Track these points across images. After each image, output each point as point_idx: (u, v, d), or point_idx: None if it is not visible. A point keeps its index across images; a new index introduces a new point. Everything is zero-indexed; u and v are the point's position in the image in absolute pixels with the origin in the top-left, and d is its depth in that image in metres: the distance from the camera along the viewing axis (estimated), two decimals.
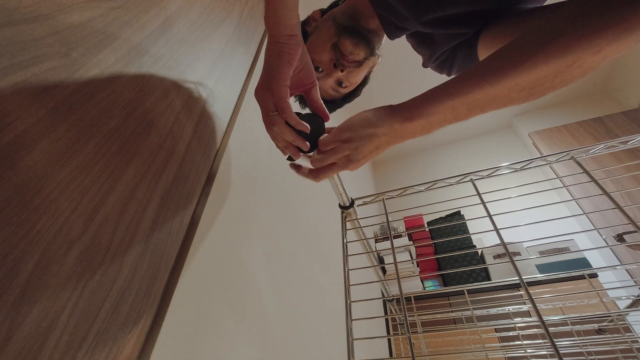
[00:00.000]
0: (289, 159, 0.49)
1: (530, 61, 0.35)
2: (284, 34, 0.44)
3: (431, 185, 0.74)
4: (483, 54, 0.53)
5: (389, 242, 2.34)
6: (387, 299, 1.38)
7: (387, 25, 0.60)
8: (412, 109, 0.41)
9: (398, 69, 2.49)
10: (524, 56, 0.35)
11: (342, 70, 0.60)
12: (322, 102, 0.51)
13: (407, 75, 2.57)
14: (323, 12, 0.67)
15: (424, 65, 0.67)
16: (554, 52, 0.34)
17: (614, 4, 0.31)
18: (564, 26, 0.34)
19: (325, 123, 0.51)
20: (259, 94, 0.46)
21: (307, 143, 0.46)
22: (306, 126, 0.45)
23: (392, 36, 0.63)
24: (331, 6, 0.67)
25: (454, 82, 0.40)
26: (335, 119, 0.49)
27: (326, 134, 0.48)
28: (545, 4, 0.50)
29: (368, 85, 0.71)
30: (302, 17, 0.65)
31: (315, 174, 0.48)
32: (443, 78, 0.66)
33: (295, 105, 0.58)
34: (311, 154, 0.48)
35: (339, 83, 0.63)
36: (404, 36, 0.65)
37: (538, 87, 0.37)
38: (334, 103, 0.69)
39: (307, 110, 0.53)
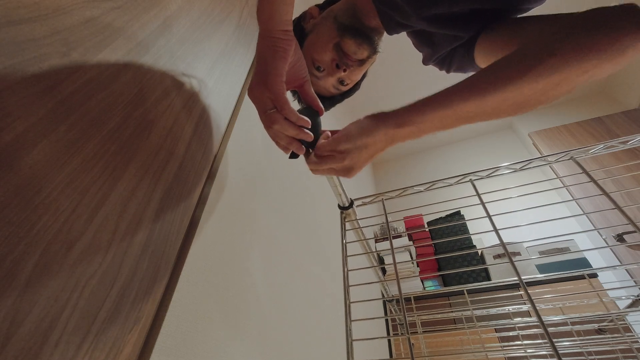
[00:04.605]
0: (292, 156, 0.49)
1: (519, 80, 0.36)
2: (278, 29, 0.44)
3: (431, 186, 0.74)
4: (479, 56, 0.54)
5: (388, 242, 2.34)
6: (387, 299, 1.38)
7: (388, 22, 0.60)
8: (404, 117, 0.43)
9: (400, 65, 2.50)
10: (514, 74, 0.37)
11: (344, 70, 0.60)
12: (316, 95, 0.52)
13: (409, 71, 2.57)
14: (320, 7, 0.67)
15: (424, 62, 0.67)
16: (542, 72, 0.35)
17: (603, 26, 0.32)
18: (554, 47, 0.35)
19: (325, 122, 0.51)
20: (254, 92, 0.45)
21: (311, 134, 0.46)
22: (307, 121, 0.45)
23: (391, 32, 0.63)
24: (329, 2, 0.67)
25: (445, 93, 0.41)
26: (333, 115, 0.49)
27: (323, 140, 0.48)
28: (545, 4, 0.50)
29: (370, 79, 0.71)
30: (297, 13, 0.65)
31: (311, 170, 0.49)
32: (443, 75, 0.67)
33: (294, 104, 0.58)
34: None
35: (341, 81, 0.63)
36: (405, 34, 0.65)
37: (525, 103, 0.38)
38: (333, 99, 0.69)
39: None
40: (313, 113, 0.50)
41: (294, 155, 0.48)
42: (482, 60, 0.53)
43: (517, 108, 0.39)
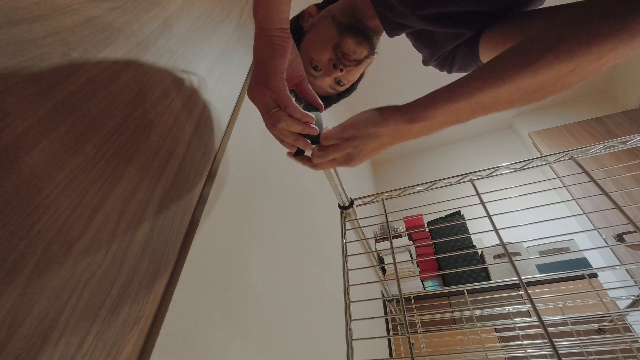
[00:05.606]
0: (297, 153, 0.48)
1: (533, 66, 0.35)
2: (275, 27, 0.43)
3: (431, 186, 0.74)
4: (484, 53, 0.53)
5: (388, 242, 2.34)
6: (387, 299, 1.38)
7: (387, 23, 0.60)
8: (416, 111, 0.41)
9: (400, 66, 2.50)
10: (527, 61, 0.36)
11: (341, 70, 0.60)
12: (315, 93, 0.51)
13: (409, 72, 2.57)
14: (319, 7, 0.66)
15: (425, 63, 0.67)
16: (556, 58, 0.34)
17: (616, 10, 0.32)
18: (567, 32, 0.34)
19: (324, 121, 0.50)
20: (254, 92, 0.44)
21: (317, 128, 0.45)
22: (312, 116, 0.44)
23: (391, 34, 0.62)
24: (327, 2, 0.67)
25: (457, 84, 0.40)
26: (333, 114, 0.48)
27: (327, 128, 0.47)
28: (546, 3, 0.50)
29: (369, 79, 0.71)
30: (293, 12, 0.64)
31: (314, 166, 0.48)
32: (443, 75, 0.66)
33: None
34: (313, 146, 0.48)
35: (338, 82, 0.63)
36: (404, 34, 0.65)
37: (540, 91, 0.37)
38: (329, 99, 0.69)
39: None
40: (314, 110, 0.49)
41: (299, 152, 0.48)
42: (488, 56, 0.52)
43: (532, 96, 0.38)
